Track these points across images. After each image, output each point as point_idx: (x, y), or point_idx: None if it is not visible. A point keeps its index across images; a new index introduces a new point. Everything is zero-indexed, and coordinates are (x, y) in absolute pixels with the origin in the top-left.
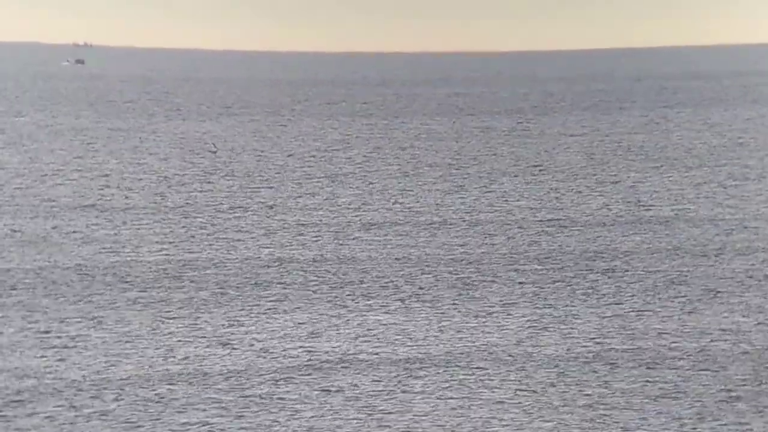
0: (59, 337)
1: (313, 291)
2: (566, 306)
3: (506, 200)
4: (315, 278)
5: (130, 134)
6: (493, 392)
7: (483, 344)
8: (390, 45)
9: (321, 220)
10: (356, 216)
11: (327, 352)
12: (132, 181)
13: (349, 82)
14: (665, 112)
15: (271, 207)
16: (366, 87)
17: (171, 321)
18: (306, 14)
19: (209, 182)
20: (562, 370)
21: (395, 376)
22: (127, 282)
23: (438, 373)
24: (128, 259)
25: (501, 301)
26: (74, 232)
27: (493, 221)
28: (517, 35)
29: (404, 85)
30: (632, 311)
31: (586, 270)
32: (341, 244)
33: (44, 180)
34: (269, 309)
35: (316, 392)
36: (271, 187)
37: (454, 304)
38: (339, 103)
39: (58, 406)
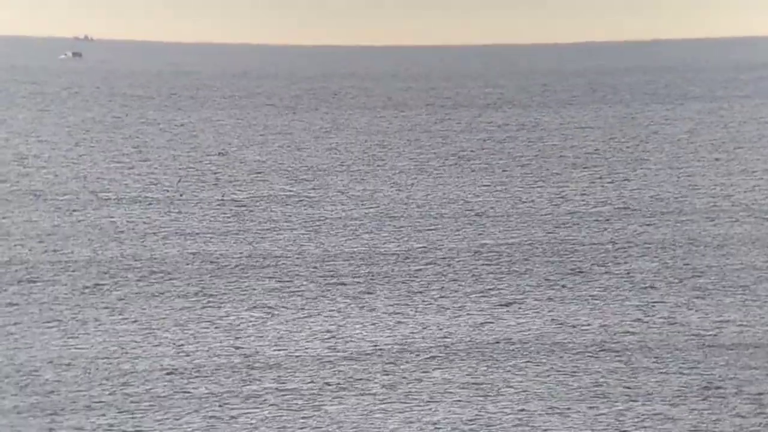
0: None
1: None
2: (588, 298)
3: (523, 192)
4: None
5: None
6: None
7: (504, 337)
8: (398, 39)
9: (333, 214)
10: (369, 209)
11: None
12: (158, 173)
13: (357, 75)
14: (683, 103)
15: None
16: (375, 80)
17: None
18: (309, 8)
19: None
20: (586, 361)
21: (419, 368)
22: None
23: (461, 365)
24: (190, 251)
25: (519, 291)
26: (176, 221)
27: (510, 213)
28: (521, 28)
29: (416, 78)
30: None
31: (602, 262)
32: (349, 239)
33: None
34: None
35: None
36: (292, 180)
37: (472, 295)
38: (353, 96)
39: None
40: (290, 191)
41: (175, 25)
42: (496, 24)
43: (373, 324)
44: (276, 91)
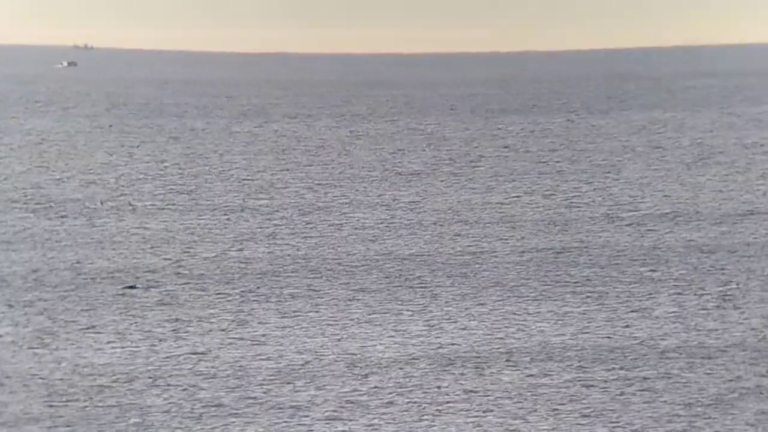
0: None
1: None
2: (617, 303)
3: (541, 197)
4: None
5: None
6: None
7: (538, 340)
8: (398, 47)
9: (346, 220)
10: (384, 214)
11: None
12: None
13: (357, 83)
14: (693, 110)
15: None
16: (378, 88)
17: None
18: (307, 17)
19: (208, 183)
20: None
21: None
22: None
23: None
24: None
25: (545, 296)
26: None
27: (528, 219)
28: (524, 36)
29: (418, 86)
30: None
31: (627, 266)
32: (374, 242)
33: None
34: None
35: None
36: (313, 190)
37: (493, 300)
38: (350, 105)
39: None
40: (308, 199)
41: (177, 33)
42: (505, 31)
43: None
44: (285, 100)
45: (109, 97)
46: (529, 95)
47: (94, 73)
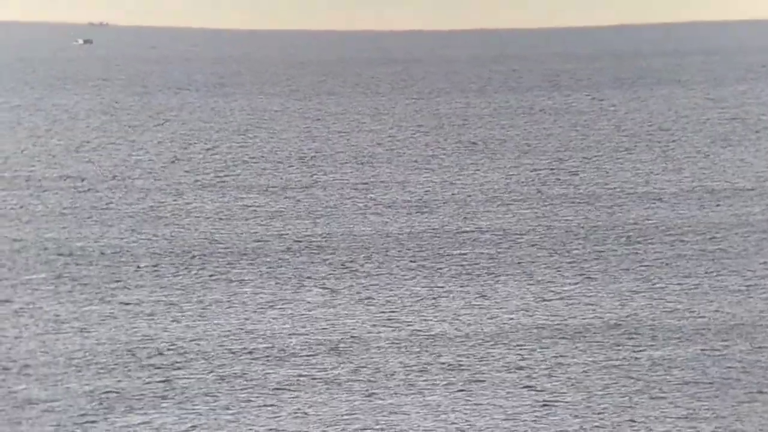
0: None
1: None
2: (659, 278)
3: (569, 174)
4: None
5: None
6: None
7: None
8: (409, 24)
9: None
10: (400, 194)
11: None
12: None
13: (365, 61)
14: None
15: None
16: (395, 65)
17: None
18: None
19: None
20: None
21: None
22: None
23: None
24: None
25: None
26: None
27: (558, 195)
28: (534, 12)
29: (441, 62)
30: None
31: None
32: (387, 221)
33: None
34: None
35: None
36: (334, 167)
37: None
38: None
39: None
40: (340, 177)
41: (192, 10)
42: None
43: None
44: (302, 78)
45: (128, 76)
46: (553, 72)
47: (111, 51)
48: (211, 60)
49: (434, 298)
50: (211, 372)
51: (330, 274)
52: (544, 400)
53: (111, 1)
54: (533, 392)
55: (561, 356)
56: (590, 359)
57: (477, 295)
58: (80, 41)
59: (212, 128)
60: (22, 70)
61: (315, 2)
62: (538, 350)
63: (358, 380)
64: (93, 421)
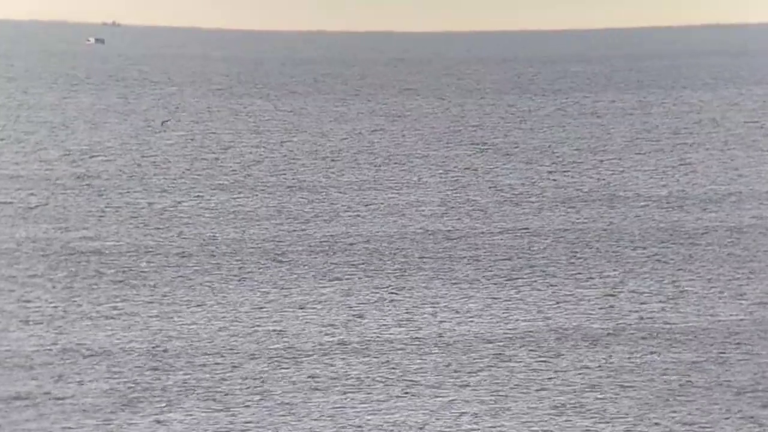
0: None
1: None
2: (676, 281)
3: (571, 177)
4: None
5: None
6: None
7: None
8: (421, 25)
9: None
10: (413, 197)
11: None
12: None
13: (404, 60)
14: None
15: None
16: (404, 65)
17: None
18: None
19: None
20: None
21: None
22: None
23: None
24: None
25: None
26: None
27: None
28: (526, 14)
29: (455, 64)
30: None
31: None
32: (405, 223)
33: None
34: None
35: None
36: (354, 167)
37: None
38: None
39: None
40: (359, 178)
41: (205, 10)
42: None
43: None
44: (318, 79)
45: (140, 74)
46: (566, 73)
47: (121, 51)
48: (221, 59)
49: (456, 300)
50: (229, 372)
51: (350, 274)
52: (560, 404)
53: (123, 0)
54: (551, 395)
55: (578, 360)
56: (607, 364)
57: (491, 299)
58: (92, 40)
59: (228, 128)
60: (33, 68)
61: (332, 2)
62: (557, 354)
63: (377, 381)
64: (107, 421)
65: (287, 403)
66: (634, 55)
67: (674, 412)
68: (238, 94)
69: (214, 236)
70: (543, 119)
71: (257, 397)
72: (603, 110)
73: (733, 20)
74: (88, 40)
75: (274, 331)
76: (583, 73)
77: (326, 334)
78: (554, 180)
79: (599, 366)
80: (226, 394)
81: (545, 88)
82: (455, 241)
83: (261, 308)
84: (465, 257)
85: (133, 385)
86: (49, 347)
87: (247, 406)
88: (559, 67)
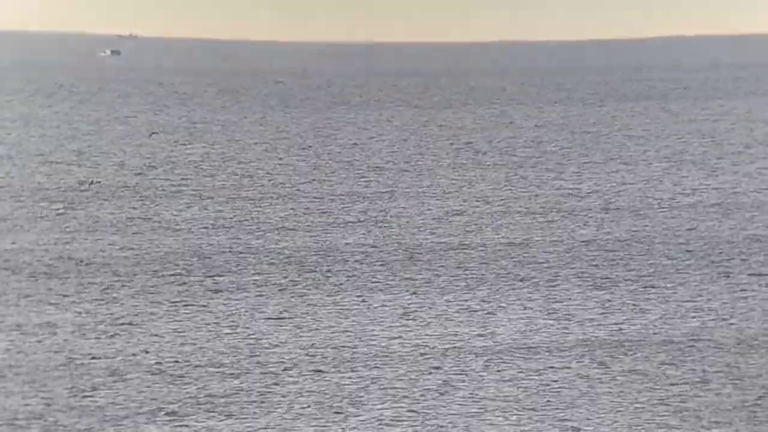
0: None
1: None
2: (667, 287)
3: (571, 186)
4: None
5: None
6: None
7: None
8: (424, 36)
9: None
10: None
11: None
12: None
13: (375, 73)
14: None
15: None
16: (402, 78)
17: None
18: (313, 7)
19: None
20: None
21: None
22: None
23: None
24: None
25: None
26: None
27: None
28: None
29: (458, 75)
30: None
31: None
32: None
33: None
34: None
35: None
36: (365, 179)
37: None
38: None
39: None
40: (355, 189)
41: (223, 23)
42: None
43: (524, 314)
44: (324, 90)
45: (153, 89)
46: (568, 84)
47: (137, 63)
48: (230, 72)
49: (479, 311)
50: (244, 383)
51: (368, 284)
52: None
53: (139, 12)
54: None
55: (587, 370)
56: (620, 374)
57: (502, 308)
58: (108, 52)
59: (236, 140)
60: (48, 79)
61: (339, 14)
62: (567, 364)
63: (397, 389)
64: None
65: (307, 415)
66: (632, 66)
67: (693, 424)
68: (254, 108)
69: (220, 245)
70: (547, 130)
71: (274, 407)
72: (603, 120)
73: (734, 31)
74: (104, 52)
75: (288, 341)
76: (582, 84)
77: (343, 345)
78: (547, 189)
79: (613, 377)
80: (246, 404)
81: (549, 99)
82: (461, 252)
83: (279, 318)
84: (468, 268)
85: (144, 400)
86: (57, 359)
87: (255, 419)
88: (559, 78)
